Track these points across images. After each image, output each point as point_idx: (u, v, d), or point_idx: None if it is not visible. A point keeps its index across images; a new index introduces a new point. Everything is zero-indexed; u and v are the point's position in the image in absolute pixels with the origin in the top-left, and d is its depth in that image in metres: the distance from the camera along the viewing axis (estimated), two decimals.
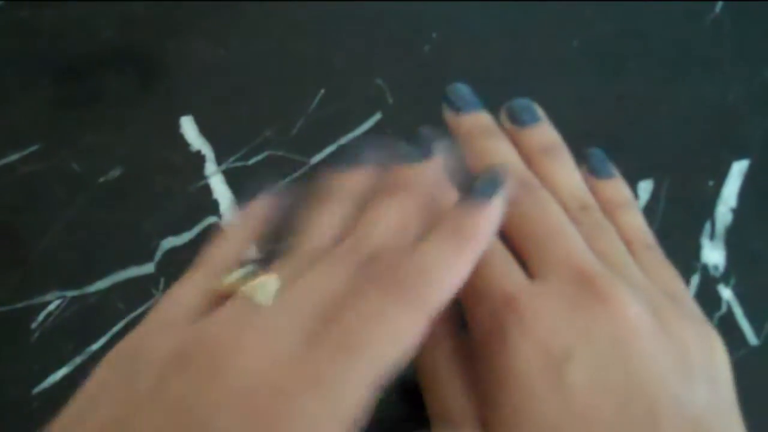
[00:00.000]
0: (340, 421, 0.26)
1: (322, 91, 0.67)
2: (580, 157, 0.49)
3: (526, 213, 0.36)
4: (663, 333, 0.30)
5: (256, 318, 0.29)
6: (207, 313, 0.31)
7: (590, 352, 0.28)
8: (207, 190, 0.62)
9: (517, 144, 0.41)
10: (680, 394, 0.29)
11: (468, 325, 0.33)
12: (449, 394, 0.33)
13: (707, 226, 0.61)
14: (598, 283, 0.31)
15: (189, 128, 0.65)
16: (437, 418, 0.33)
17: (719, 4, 0.72)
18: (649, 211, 0.62)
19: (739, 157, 0.64)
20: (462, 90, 0.44)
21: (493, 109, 0.67)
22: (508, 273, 0.33)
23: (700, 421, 0.29)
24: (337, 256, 0.32)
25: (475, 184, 0.32)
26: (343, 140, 0.64)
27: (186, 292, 0.34)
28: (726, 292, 0.59)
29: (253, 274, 0.33)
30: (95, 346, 0.56)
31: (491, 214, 0.31)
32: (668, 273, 0.38)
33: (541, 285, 0.32)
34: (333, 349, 0.27)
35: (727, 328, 0.57)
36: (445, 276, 0.29)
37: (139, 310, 0.57)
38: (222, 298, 0.32)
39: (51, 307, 0.57)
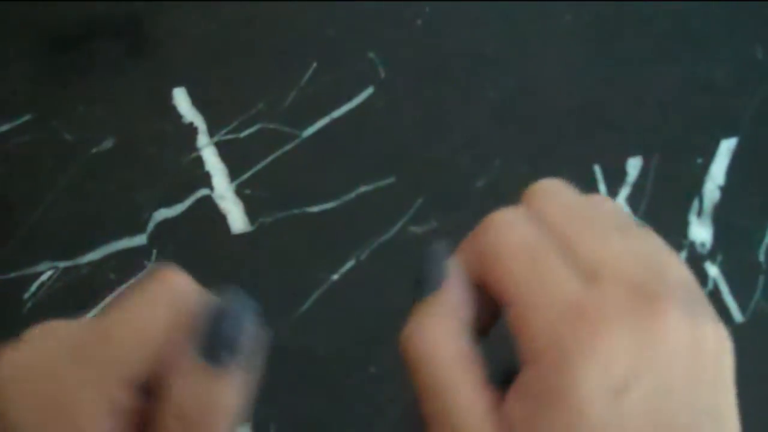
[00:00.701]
0: None
1: (315, 64, 0.67)
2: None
3: (572, 207, 0.32)
4: (694, 342, 0.29)
5: None
6: None
7: (647, 378, 0.28)
8: (199, 162, 0.62)
9: None
10: (703, 407, 0.29)
11: (514, 332, 0.31)
12: (455, 401, 0.31)
13: (695, 203, 0.62)
14: (651, 296, 0.29)
15: (182, 100, 0.65)
16: (437, 421, 0.30)
17: None
18: (637, 189, 0.62)
19: (728, 135, 0.65)
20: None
21: (485, 84, 0.67)
22: (568, 277, 0.30)
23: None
24: None
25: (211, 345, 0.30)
26: (336, 114, 0.65)
27: None
28: (713, 270, 0.60)
29: None
30: (88, 317, 0.56)
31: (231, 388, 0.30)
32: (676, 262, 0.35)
33: (601, 292, 0.29)
34: None
35: (714, 305, 0.58)
36: None
37: (131, 281, 0.57)
38: None
39: (43, 277, 0.58)
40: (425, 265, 0.34)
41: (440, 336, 0.32)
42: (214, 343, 0.30)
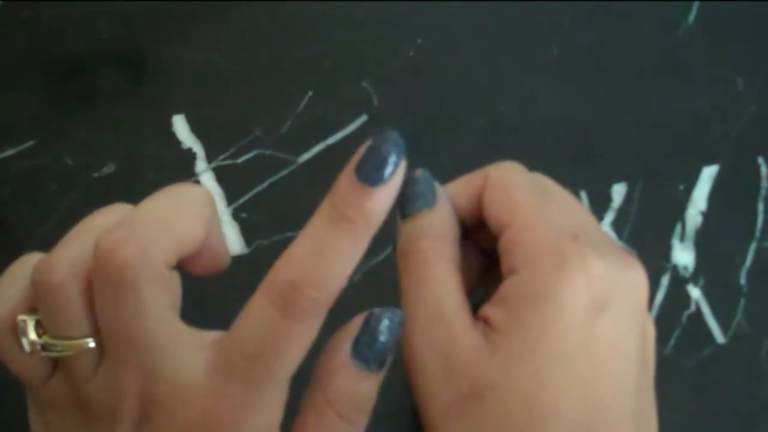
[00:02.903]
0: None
1: (310, 92, 0.69)
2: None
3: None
4: (645, 289, 0.33)
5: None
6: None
7: (619, 311, 0.31)
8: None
9: None
10: (652, 343, 0.34)
11: (510, 247, 0.33)
12: (443, 291, 0.34)
13: (678, 228, 0.64)
14: (624, 252, 0.33)
15: (181, 127, 0.67)
16: (424, 314, 0.33)
17: (692, 15, 0.75)
18: (622, 214, 0.64)
19: (709, 162, 0.67)
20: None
21: (475, 113, 0.69)
22: (562, 213, 0.34)
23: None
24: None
25: (363, 164, 0.32)
26: (331, 140, 0.67)
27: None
28: (695, 292, 0.61)
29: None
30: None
31: (386, 198, 0.32)
32: None
33: (587, 234, 0.33)
34: (246, 381, 0.30)
35: (696, 326, 0.60)
36: (341, 271, 0.31)
37: None
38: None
39: None
40: (417, 185, 0.36)
41: (437, 247, 0.35)
42: None
